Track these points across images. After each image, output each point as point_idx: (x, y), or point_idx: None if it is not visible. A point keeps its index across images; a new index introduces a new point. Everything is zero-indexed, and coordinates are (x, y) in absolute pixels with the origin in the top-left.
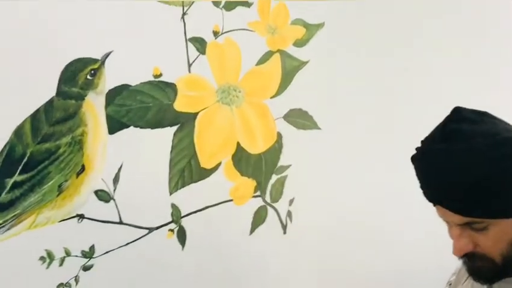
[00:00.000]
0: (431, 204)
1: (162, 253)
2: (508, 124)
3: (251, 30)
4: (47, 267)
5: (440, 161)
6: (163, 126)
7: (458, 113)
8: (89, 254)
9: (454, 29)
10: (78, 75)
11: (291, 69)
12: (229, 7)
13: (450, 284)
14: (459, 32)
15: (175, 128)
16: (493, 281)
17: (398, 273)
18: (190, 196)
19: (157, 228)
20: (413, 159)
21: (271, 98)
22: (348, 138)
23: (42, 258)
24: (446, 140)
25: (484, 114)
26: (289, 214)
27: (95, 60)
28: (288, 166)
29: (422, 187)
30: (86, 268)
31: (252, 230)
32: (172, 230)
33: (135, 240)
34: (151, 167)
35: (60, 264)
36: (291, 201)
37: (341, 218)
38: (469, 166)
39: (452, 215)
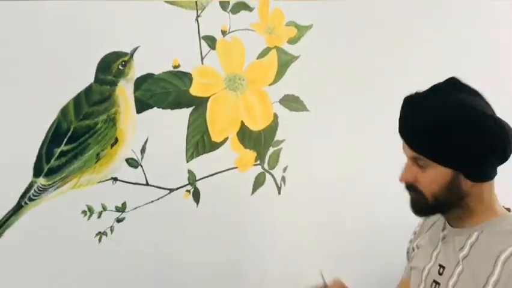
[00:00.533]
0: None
1: (180, 209)
2: (486, 106)
3: (253, 30)
4: (88, 219)
5: (413, 105)
6: (180, 108)
7: (449, 80)
8: (121, 209)
9: (439, 27)
10: (112, 66)
11: (285, 62)
12: (234, 11)
13: (415, 233)
14: (444, 29)
15: (190, 109)
16: (424, 215)
17: (378, 225)
18: (203, 164)
19: (176, 189)
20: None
21: (269, 85)
22: (331, 119)
23: (84, 212)
24: (426, 92)
25: (473, 91)
26: (283, 179)
27: (125, 54)
28: (283, 140)
29: (399, 126)
30: (119, 220)
31: (253, 191)
32: (188, 191)
33: (158, 198)
34: (171, 140)
35: (98, 217)
36: (284, 169)
37: (325, 181)
38: (428, 112)
39: (407, 149)
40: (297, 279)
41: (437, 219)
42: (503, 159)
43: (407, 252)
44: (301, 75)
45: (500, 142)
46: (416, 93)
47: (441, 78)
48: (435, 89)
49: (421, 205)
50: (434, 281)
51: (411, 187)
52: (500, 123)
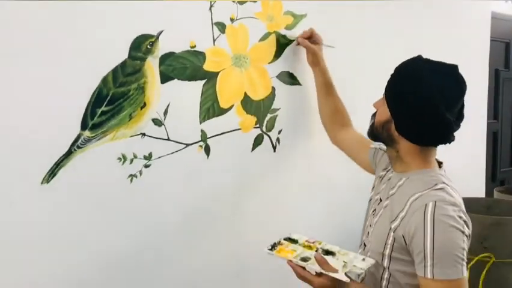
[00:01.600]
0: None
1: (194, 160)
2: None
3: (256, 18)
4: (122, 164)
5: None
6: (195, 80)
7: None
8: (148, 157)
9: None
10: (142, 45)
11: (282, 44)
12: (241, 2)
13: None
14: (429, 25)
15: (203, 81)
16: (369, 137)
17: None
18: (213, 125)
19: (191, 144)
20: None
21: (268, 63)
22: None
23: (119, 159)
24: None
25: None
26: (278, 140)
27: (152, 36)
28: (279, 108)
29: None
30: (146, 166)
31: (253, 149)
32: (201, 146)
33: (177, 151)
34: (188, 106)
35: (130, 163)
36: (279, 131)
37: (312, 142)
38: (400, 68)
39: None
40: (278, 219)
41: (388, 165)
42: (435, 139)
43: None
44: (295, 55)
45: (431, 120)
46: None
47: None
48: (415, 59)
49: (370, 128)
50: (374, 209)
51: (374, 114)
52: (441, 112)
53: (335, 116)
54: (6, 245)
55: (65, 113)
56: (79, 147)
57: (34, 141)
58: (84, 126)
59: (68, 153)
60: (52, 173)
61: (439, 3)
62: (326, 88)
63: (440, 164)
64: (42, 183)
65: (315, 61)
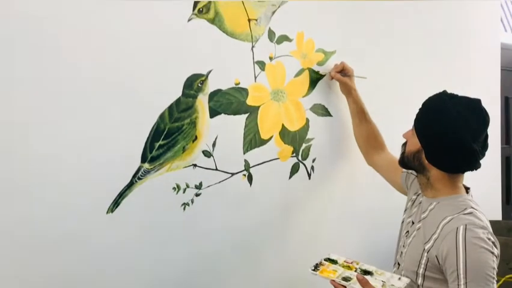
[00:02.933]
0: None
1: (238, 188)
2: (472, 122)
3: (291, 56)
4: (176, 193)
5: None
6: (239, 114)
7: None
8: (198, 186)
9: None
10: (194, 84)
11: (314, 79)
12: (279, 42)
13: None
14: (449, 59)
15: (246, 115)
16: (401, 165)
17: (389, 208)
18: (255, 155)
19: (236, 173)
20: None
21: (302, 97)
22: (348, 122)
23: (174, 188)
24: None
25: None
26: (312, 168)
27: (203, 75)
28: (313, 138)
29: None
30: (197, 195)
31: (290, 176)
32: (244, 175)
33: (224, 180)
34: (233, 138)
35: (183, 192)
36: (313, 160)
37: (344, 170)
38: (428, 102)
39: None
40: (316, 242)
41: (419, 190)
42: (463, 167)
43: None
44: (327, 89)
45: (458, 151)
46: (430, 99)
47: None
48: (441, 95)
49: (401, 157)
50: (407, 231)
51: (404, 144)
52: (467, 144)
53: (369, 140)
54: (72, 268)
55: (128, 147)
56: (139, 178)
57: (103, 174)
58: (144, 159)
59: (130, 184)
60: (116, 203)
61: (456, 40)
62: (360, 115)
63: (467, 189)
64: (107, 212)
65: (348, 91)
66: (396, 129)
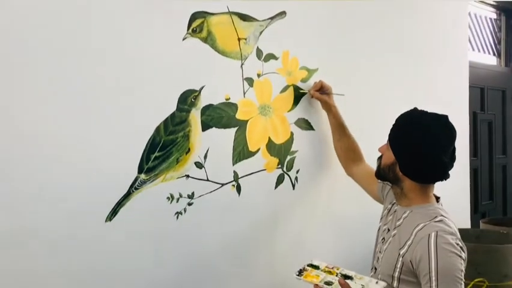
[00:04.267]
0: None
1: (227, 197)
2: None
3: (277, 73)
4: (170, 203)
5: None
6: (229, 127)
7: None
8: (191, 196)
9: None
10: (187, 99)
11: (298, 95)
12: (266, 60)
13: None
14: (422, 75)
15: (236, 128)
16: (377, 177)
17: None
18: (243, 166)
19: (226, 183)
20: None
21: (287, 111)
22: (329, 135)
23: (168, 198)
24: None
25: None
26: (296, 178)
27: (196, 91)
28: (296, 151)
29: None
30: (189, 204)
31: (276, 187)
32: (233, 185)
33: (214, 190)
34: (224, 149)
35: (177, 202)
36: (297, 171)
37: (326, 180)
38: (400, 118)
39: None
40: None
41: (393, 199)
42: (433, 178)
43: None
44: (309, 104)
45: (429, 163)
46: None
47: None
48: (412, 112)
49: (377, 170)
50: (383, 238)
51: (379, 157)
52: (437, 156)
53: (348, 152)
54: (72, 273)
55: (126, 158)
56: (136, 188)
57: (102, 184)
58: (140, 170)
59: (128, 194)
60: (114, 212)
61: (427, 59)
62: (339, 130)
63: (437, 198)
64: (106, 221)
65: (327, 108)
66: (373, 142)
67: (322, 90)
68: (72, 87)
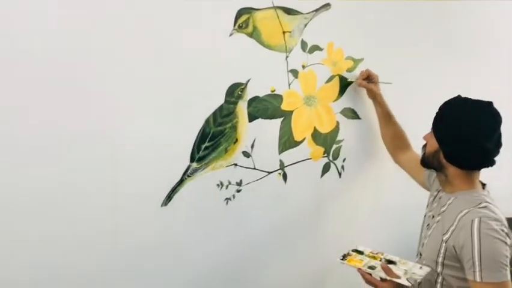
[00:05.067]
0: None
1: (274, 185)
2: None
3: (322, 64)
4: (220, 190)
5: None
6: (275, 118)
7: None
8: (239, 183)
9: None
10: (234, 92)
11: (344, 85)
12: (310, 51)
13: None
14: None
15: (281, 119)
16: (422, 165)
17: (413, 202)
18: (289, 155)
19: (272, 172)
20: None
21: (333, 101)
22: (375, 124)
23: (217, 185)
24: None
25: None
26: (342, 167)
27: (242, 84)
28: (342, 140)
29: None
30: (238, 191)
31: (321, 176)
32: (280, 173)
33: (261, 178)
34: (270, 139)
35: (226, 188)
36: (343, 160)
37: (372, 169)
38: (446, 105)
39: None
40: (347, 235)
41: (439, 186)
42: (477, 164)
43: None
44: (355, 94)
45: (473, 149)
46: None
47: None
48: (455, 99)
49: (422, 158)
50: (428, 224)
51: (424, 146)
52: (480, 143)
53: (395, 141)
54: (131, 253)
55: (179, 148)
56: (188, 176)
57: (158, 172)
58: (192, 159)
59: (181, 181)
60: (169, 197)
61: (479, 47)
62: (385, 118)
63: (483, 185)
64: (161, 205)
65: (373, 96)
66: (419, 130)
67: (369, 78)
68: (133, 84)
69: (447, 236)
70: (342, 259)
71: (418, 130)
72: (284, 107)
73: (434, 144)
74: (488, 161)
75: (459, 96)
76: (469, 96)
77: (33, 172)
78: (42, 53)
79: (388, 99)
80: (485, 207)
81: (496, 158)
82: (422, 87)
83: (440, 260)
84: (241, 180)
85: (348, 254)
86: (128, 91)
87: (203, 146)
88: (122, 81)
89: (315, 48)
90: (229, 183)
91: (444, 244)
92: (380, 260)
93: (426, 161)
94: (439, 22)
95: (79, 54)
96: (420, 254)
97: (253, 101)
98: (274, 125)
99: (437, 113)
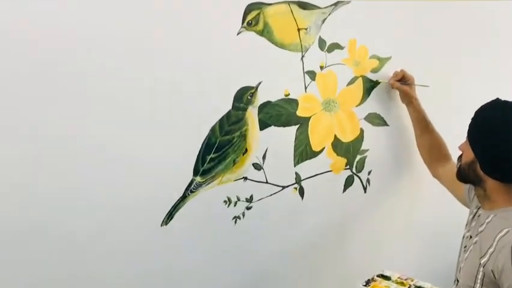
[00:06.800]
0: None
1: (290, 202)
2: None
3: (343, 64)
4: (228, 207)
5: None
6: (290, 125)
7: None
8: (249, 200)
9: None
10: (243, 96)
11: (369, 87)
12: (329, 50)
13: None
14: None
15: (297, 126)
16: (458, 178)
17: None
18: (306, 168)
19: (287, 186)
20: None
21: (356, 106)
22: (406, 132)
23: (225, 201)
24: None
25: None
26: (368, 180)
27: (252, 87)
28: (367, 150)
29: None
30: (248, 208)
31: (344, 190)
32: (296, 188)
33: (275, 193)
34: (283, 150)
35: (234, 205)
36: (369, 172)
37: (401, 182)
38: (480, 112)
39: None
40: (373, 259)
41: (479, 203)
42: None
43: None
44: (382, 97)
45: (509, 160)
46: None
47: None
48: (492, 102)
49: (458, 170)
50: (465, 246)
51: (460, 156)
52: None
53: (432, 151)
54: (129, 277)
55: (180, 160)
56: (192, 191)
57: (157, 187)
58: (196, 172)
59: (183, 197)
60: (170, 215)
61: None
62: (421, 125)
63: None
64: (162, 225)
65: (408, 100)
66: (459, 140)
67: (403, 80)
68: (128, 88)
69: (485, 259)
70: (365, 285)
71: (458, 139)
72: (300, 112)
73: (470, 155)
74: None
75: (497, 99)
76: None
77: (21, 196)
78: (31, 54)
79: (424, 104)
80: None
81: None
82: (461, 91)
83: (477, 286)
84: (251, 196)
85: (373, 280)
86: (121, 95)
87: (208, 158)
88: (114, 84)
89: (335, 46)
90: (238, 199)
91: (482, 269)
92: (409, 287)
93: (462, 174)
94: (482, 17)
95: (68, 56)
96: (457, 280)
97: (264, 106)
98: (288, 134)
99: (472, 119)
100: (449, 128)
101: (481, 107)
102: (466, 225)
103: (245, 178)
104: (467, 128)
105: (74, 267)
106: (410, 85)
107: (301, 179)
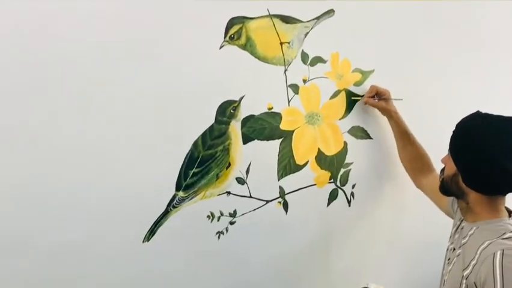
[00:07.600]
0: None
1: (273, 216)
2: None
3: (326, 78)
4: (211, 222)
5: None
6: (273, 139)
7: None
8: (233, 214)
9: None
10: (226, 110)
11: (352, 101)
12: (312, 63)
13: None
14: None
15: (280, 140)
16: (441, 191)
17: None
18: (290, 181)
19: (271, 200)
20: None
21: (339, 119)
22: (389, 144)
23: (208, 216)
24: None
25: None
26: (352, 194)
27: (235, 101)
28: (351, 163)
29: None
30: (231, 223)
31: (328, 204)
32: (279, 202)
33: (258, 207)
34: (267, 164)
35: (218, 220)
36: (353, 186)
37: (386, 195)
38: (461, 124)
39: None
40: (358, 273)
41: (461, 216)
42: (500, 189)
43: None
44: (366, 110)
45: (494, 172)
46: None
47: None
48: (473, 115)
49: (441, 183)
50: (449, 258)
51: (442, 169)
52: (503, 164)
53: (414, 163)
54: None
55: (162, 175)
56: (174, 206)
57: (138, 203)
58: (178, 187)
59: (165, 213)
60: (152, 232)
61: (498, 58)
62: (403, 137)
63: (510, 212)
64: (143, 241)
65: (388, 114)
66: (437, 152)
67: (378, 95)
68: (107, 101)
69: (467, 271)
70: None
71: (442, 152)
72: (283, 126)
73: (452, 168)
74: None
75: (478, 112)
76: (494, 112)
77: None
78: (31, 55)
79: (405, 117)
80: (509, 237)
81: None
82: (445, 103)
83: None
84: (235, 211)
85: None
86: (102, 110)
87: (191, 172)
88: (94, 99)
89: (318, 60)
90: (222, 214)
91: (464, 281)
92: None
93: (445, 186)
94: (466, 26)
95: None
96: None
97: (247, 120)
98: (272, 147)
99: (453, 132)
100: (431, 140)
101: (462, 119)
102: (450, 237)
103: (228, 192)
104: (449, 144)
105: (53, 282)
106: (386, 100)
107: (285, 193)
